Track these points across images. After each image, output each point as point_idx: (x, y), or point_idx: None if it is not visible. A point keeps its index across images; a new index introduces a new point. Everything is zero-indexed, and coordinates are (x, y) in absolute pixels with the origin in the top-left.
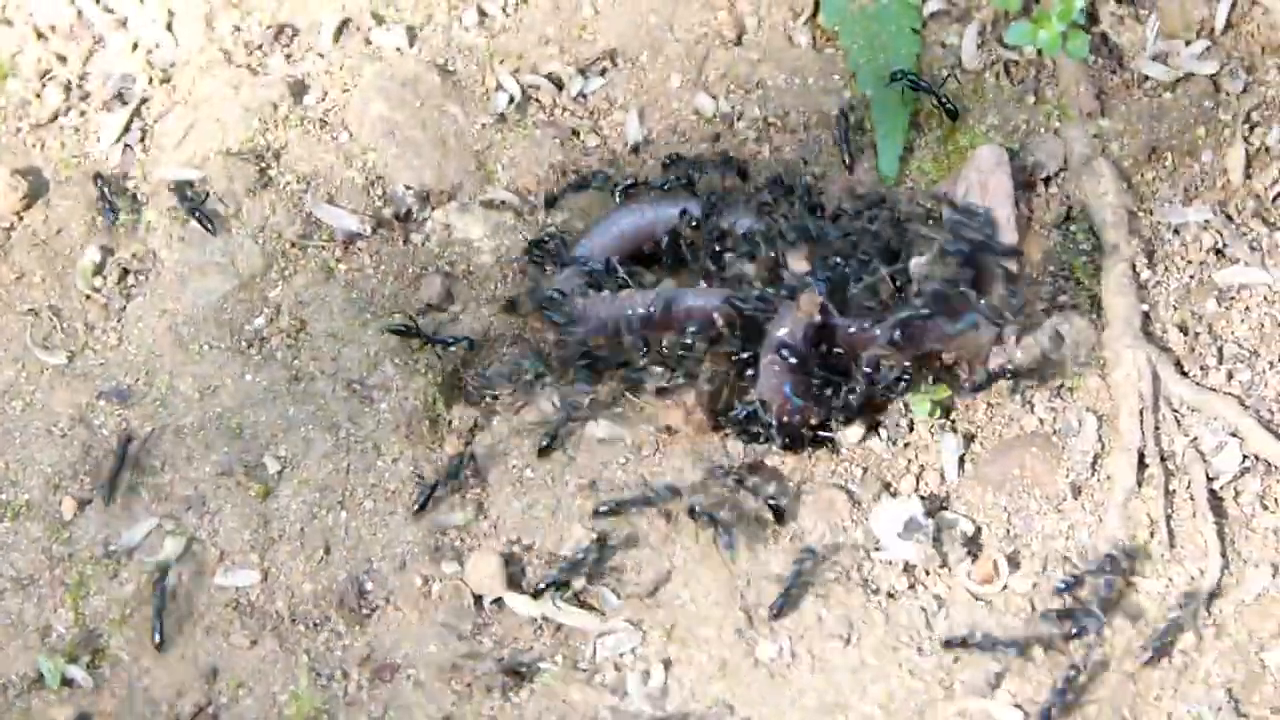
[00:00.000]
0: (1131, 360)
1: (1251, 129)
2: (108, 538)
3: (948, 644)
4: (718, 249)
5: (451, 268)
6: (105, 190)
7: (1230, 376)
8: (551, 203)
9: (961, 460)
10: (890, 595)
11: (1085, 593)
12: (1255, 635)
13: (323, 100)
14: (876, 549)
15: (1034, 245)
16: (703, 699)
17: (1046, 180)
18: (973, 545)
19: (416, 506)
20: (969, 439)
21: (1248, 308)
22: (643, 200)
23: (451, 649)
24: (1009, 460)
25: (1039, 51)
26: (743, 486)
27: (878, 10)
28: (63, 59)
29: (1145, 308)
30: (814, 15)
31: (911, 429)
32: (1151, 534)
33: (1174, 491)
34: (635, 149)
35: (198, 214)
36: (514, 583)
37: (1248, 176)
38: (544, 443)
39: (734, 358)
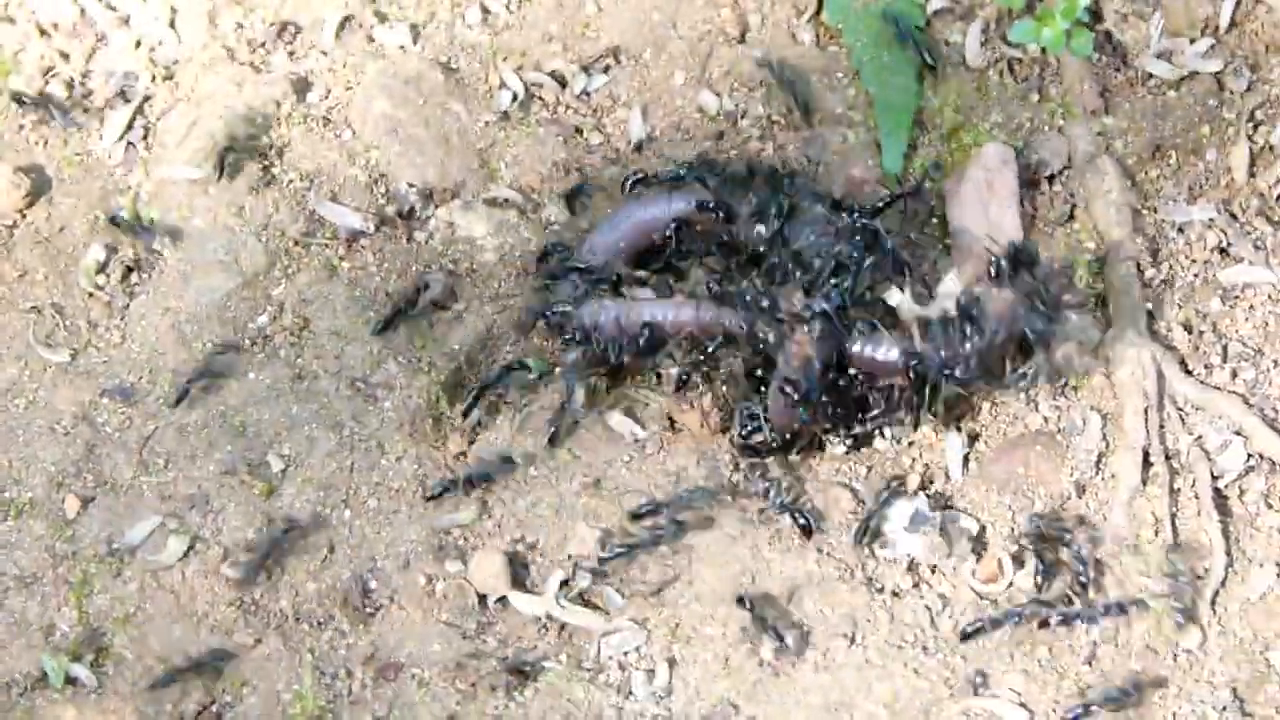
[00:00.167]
0: (1136, 359)
1: (1256, 127)
2: (111, 536)
3: (965, 636)
4: (788, 264)
5: (455, 266)
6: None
7: (1235, 375)
8: (574, 196)
9: (966, 459)
10: (895, 594)
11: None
12: (1260, 634)
13: (326, 98)
14: (882, 547)
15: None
16: (707, 698)
17: (1050, 178)
18: (977, 544)
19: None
20: (973, 438)
21: (1252, 306)
22: (649, 194)
23: (455, 648)
24: (1013, 459)
25: (1043, 49)
26: (773, 498)
27: (881, 8)
28: (65, 56)
29: (1149, 306)
30: (817, 13)
31: (916, 427)
32: (1156, 532)
33: (1178, 490)
34: (638, 147)
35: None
36: (518, 581)
37: (1252, 175)
38: (551, 431)
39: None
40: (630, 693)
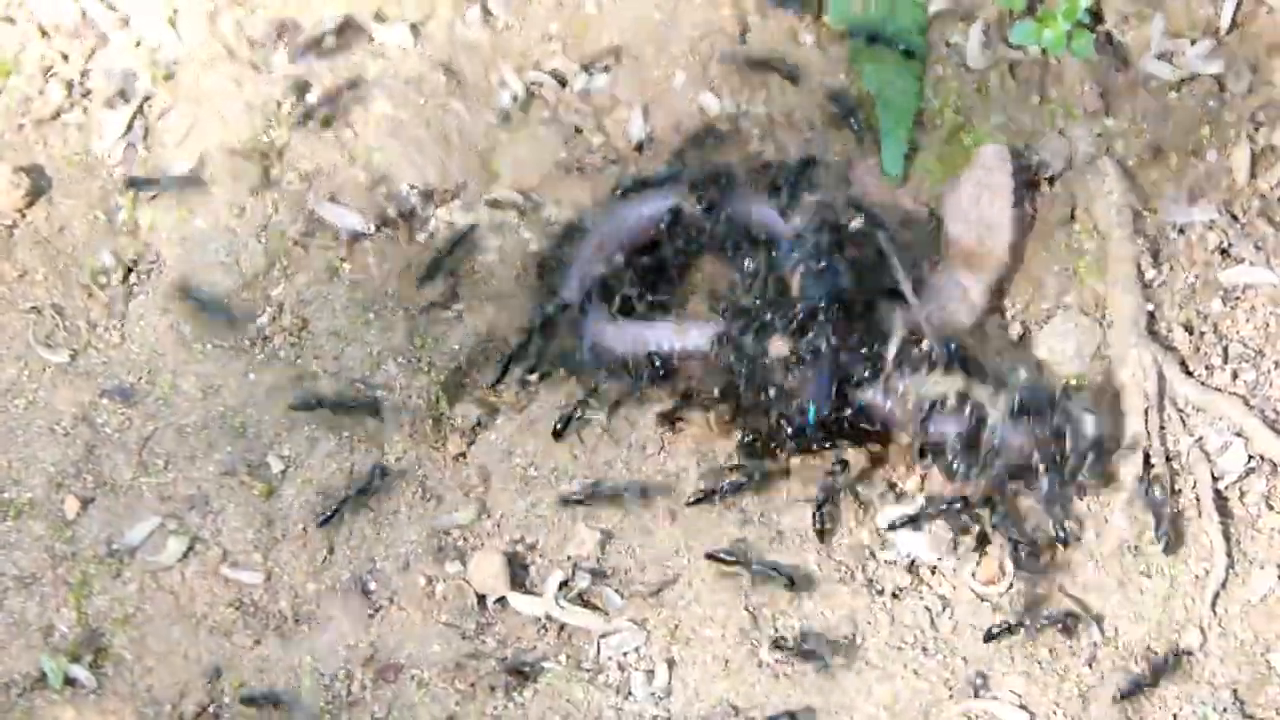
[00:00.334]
0: (1136, 360)
1: (1256, 129)
2: (110, 537)
3: (990, 637)
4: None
5: (455, 266)
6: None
7: (1235, 376)
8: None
9: None
10: (895, 595)
11: None
12: (1261, 636)
13: (326, 98)
14: (882, 548)
15: (1038, 244)
16: (707, 698)
17: (1051, 179)
18: (978, 546)
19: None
20: None
21: (1253, 307)
22: (643, 194)
23: (455, 649)
24: None
25: (1044, 51)
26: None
27: (882, 9)
28: (65, 56)
29: (1150, 307)
30: (818, 13)
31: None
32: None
33: (1179, 491)
34: (639, 147)
35: None
36: (517, 582)
37: (1253, 176)
38: (558, 425)
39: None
40: (629, 693)
